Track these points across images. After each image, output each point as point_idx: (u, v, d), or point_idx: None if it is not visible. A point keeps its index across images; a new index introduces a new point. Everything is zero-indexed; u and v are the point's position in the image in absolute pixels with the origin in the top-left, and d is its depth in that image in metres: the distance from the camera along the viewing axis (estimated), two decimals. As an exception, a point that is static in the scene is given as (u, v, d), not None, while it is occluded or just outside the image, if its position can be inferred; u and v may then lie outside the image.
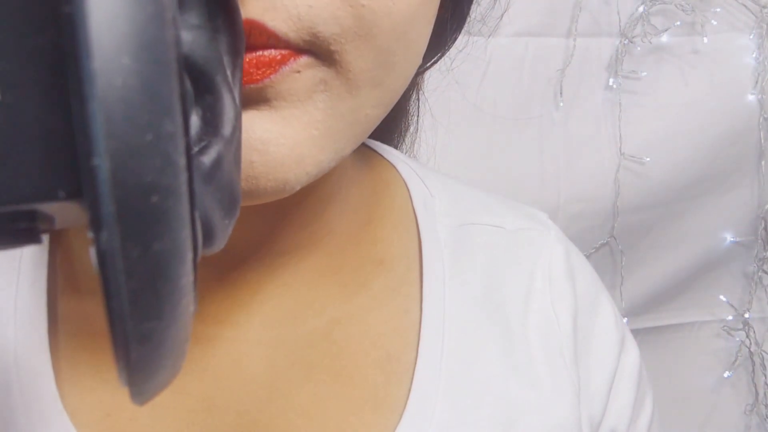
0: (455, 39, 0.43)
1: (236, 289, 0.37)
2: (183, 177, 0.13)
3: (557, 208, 0.93)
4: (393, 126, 0.51)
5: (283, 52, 0.26)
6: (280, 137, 0.27)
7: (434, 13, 0.32)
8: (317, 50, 0.26)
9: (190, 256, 0.15)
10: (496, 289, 0.42)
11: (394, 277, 0.41)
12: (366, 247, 0.41)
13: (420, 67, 0.43)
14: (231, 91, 0.19)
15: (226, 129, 0.19)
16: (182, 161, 0.13)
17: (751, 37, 0.95)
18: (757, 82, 0.95)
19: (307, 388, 0.37)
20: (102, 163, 0.12)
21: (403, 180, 0.44)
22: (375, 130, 0.33)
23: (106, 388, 0.35)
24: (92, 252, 0.14)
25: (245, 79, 0.25)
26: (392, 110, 0.33)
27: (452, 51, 0.45)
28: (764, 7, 0.94)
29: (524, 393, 0.39)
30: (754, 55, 0.95)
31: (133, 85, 0.12)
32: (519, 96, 0.92)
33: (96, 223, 0.13)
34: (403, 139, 0.53)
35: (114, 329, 0.14)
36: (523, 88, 0.92)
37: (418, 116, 0.52)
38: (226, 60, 0.19)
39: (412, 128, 0.52)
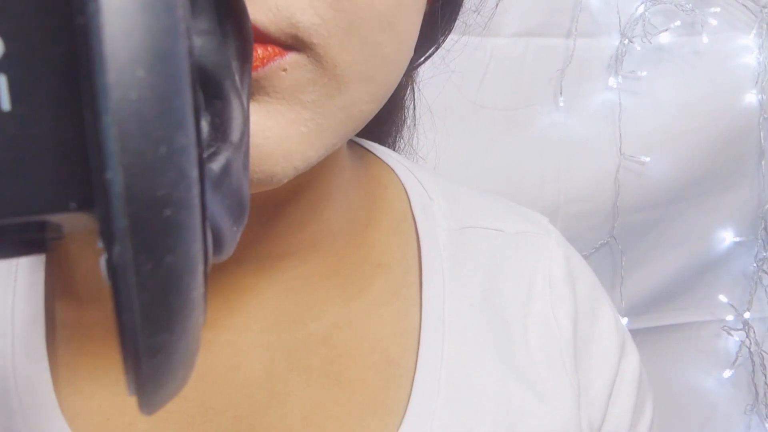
0: (449, 31, 0.42)
1: (234, 293, 0.37)
2: (196, 190, 0.13)
3: (557, 208, 0.93)
4: (389, 121, 0.51)
5: (268, 48, 0.25)
6: (266, 130, 0.26)
7: (423, 1, 0.31)
8: (301, 46, 0.26)
9: (201, 268, 0.15)
10: (496, 293, 0.42)
11: (392, 281, 0.40)
12: (364, 250, 0.40)
13: (414, 60, 0.42)
14: (239, 97, 0.19)
15: (235, 135, 0.19)
16: (195, 173, 0.13)
17: (751, 37, 0.95)
18: (757, 82, 0.95)
19: (306, 392, 0.36)
20: (115, 177, 0.12)
21: (402, 183, 0.44)
22: (371, 125, 0.33)
23: (105, 393, 0.35)
24: (102, 263, 0.14)
25: None
26: (387, 105, 0.32)
27: (451, 49, 0.44)
28: (764, 7, 0.94)
29: (524, 397, 0.39)
30: (754, 55, 0.95)
31: (147, 98, 0.12)
32: (519, 96, 0.92)
33: (108, 237, 0.13)
34: (401, 134, 0.52)
35: (125, 342, 0.14)
36: (523, 88, 0.92)
37: (414, 110, 0.51)
38: (235, 65, 0.19)
39: (408, 122, 0.52)
